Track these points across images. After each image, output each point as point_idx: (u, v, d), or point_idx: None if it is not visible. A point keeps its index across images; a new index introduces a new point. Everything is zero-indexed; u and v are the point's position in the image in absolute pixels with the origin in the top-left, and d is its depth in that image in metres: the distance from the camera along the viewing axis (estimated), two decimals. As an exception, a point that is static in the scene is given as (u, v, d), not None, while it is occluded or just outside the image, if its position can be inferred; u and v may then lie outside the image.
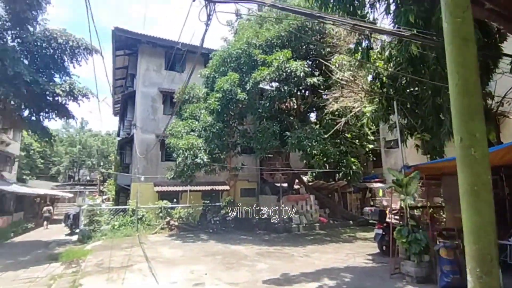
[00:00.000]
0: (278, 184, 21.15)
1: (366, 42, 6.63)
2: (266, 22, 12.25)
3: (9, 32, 12.54)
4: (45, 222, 18.56)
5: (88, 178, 46.70)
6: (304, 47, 11.32)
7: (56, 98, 12.79)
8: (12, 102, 11.99)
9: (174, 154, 11.87)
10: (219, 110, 11.26)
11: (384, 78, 7.41)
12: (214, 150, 11.54)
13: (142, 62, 17.71)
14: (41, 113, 12.79)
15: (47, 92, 12.27)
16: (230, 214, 13.91)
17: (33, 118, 12.60)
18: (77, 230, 16.76)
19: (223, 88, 10.85)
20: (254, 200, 18.61)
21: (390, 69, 7.51)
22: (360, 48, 6.58)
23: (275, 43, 11.08)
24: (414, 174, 6.02)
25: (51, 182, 36.68)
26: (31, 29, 12.54)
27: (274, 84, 11.38)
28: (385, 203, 16.47)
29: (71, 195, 29.77)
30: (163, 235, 13.54)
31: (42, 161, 36.55)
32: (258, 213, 16.77)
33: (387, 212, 8.87)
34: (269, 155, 15.92)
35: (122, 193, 19.39)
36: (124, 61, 19.94)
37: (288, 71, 10.16)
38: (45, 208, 18.79)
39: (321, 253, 9.03)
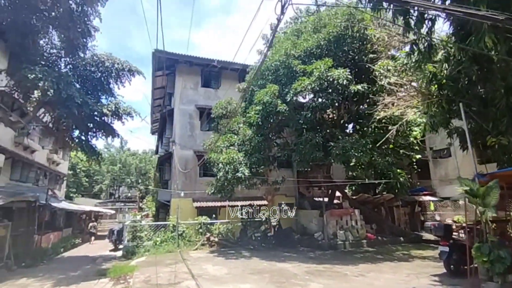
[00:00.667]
0: (317, 199, 20.47)
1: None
2: (303, 32, 12.13)
3: (62, 59, 13.60)
4: (92, 238, 19.29)
5: (127, 195, 48.69)
6: (344, 55, 10.97)
7: (103, 118, 13.43)
8: (64, 123, 12.74)
9: (215, 169, 11.80)
10: (260, 122, 11.11)
11: (442, 80, 6.81)
12: (254, 164, 11.33)
13: (179, 81, 18.30)
14: (90, 133, 13.46)
15: (95, 113, 12.92)
16: (270, 230, 13.44)
17: (83, 137, 13.28)
18: (121, 246, 17.21)
19: (263, 101, 10.72)
20: (291, 216, 18.02)
21: (446, 70, 6.93)
22: (416, 48, 6.12)
23: (314, 53, 10.85)
24: (493, 183, 5.30)
25: (94, 199, 38.54)
26: (82, 55, 13.42)
27: (312, 95, 11.10)
28: (438, 217, 15.15)
29: (113, 211, 30.95)
30: (204, 251, 13.37)
31: (86, 179, 38.67)
32: (299, 228, 16.19)
33: (453, 227, 7.96)
34: (307, 169, 15.43)
35: (162, 209, 19.72)
36: (162, 81, 20.77)
37: (330, 79, 9.83)
38: (90, 224, 19.62)
39: (377, 272, 8.27)
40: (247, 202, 16.94)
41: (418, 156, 15.81)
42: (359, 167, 10.15)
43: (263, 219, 14.39)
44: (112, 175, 44.47)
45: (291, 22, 16.10)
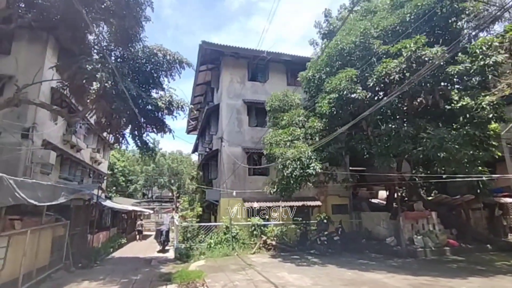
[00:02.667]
0: (375, 201, 18.85)
1: None
2: (377, 11, 10.76)
3: (112, 52, 13.08)
4: (139, 236, 19.09)
5: (158, 195, 48.94)
6: (435, 31, 9.47)
7: (156, 112, 12.77)
8: (118, 118, 12.17)
9: (280, 165, 10.67)
10: (334, 112, 9.86)
11: None
12: (325, 159, 10.10)
13: (225, 75, 17.44)
14: (142, 128, 12.82)
15: (149, 107, 12.25)
16: (336, 234, 12.14)
17: (135, 133, 12.66)
18: (168, 247, 16.57)
19: (338, 88, 9.47)
20: (347, 218, 16.58)
21: None
22: None
23: (399, 31, 9.46)
24: None
25: (130, 199, 38.83)
26: (133, 47, 12.82)
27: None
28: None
29: (151, 211, 30.83)
30: (262, 255, 12.31)
31: (123, 179, 39.09)
32: (361, 232, 14.72)
33: None
34: (391, 164, 13.61)
35: (207, 209, 18.93)
36: (205, 76, 20.05)
37: (422, 60, 8.41)
38: (139, 223, 19.48)
39: (502, 289, 6.78)
40: (300, 203, 15.73)
41: (499, 154, 13.88)
42: (459, 162, 8.60)
43: (325, 221, 13.06)
44: (146, 175, 44.79)
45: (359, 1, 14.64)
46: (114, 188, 35.31)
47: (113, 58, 13.17)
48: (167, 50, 13.06)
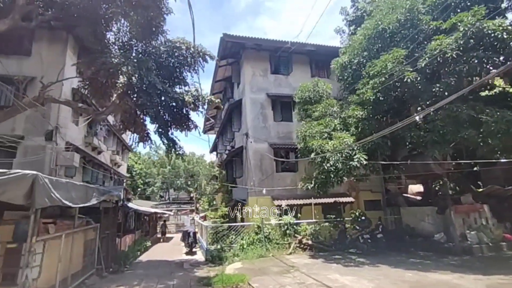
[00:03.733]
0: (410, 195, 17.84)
1: None
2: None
3: (134, 48, 12.56)
4: (162, 237, 18.78)
5: (174, 197, 48.72)
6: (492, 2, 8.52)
7: (181, 109, 12.20)
8: (143, 114, 11.66)
9: (318, 159, 9.90)
10: (379, 98, 9.02)
11: None
12: (369, 150, 9.28)
13: (247, 68, 16.76)
14: (168, 125, 12.25)
15: (174, 103, 11.68)
16: (378, 231, 11.28)
17: (161, 130, 12.08)
18: (195, 249, 16.01)
19: (384, 71, 8.63)
20: (380, 214, 15.64)
21: None
22: None
23: (452, 4, 8.55)
24: None
25: (148, 201, 38.68)
26: (155, 41, 12.27)
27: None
28: None
29: (171, 213, 30.49)
30: (300, 255, 11.56)
31: (141, 181, 38.97)
32: (403, 228, 13.77)
33: None
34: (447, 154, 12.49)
35: (233, 209, 18.26)
36: (225, 72, 19.43)
37: (482, 34, 7.52)
38: (161, 223, 19.15)
39: None
40: (332, 200, 14.91)
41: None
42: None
43: (363, 218, 12.21)
44: (163, 177, 44.65)
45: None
46: (132, 190, 35.15)
47: (134, 54, 12.65)
48: (190, 42, 12.46)
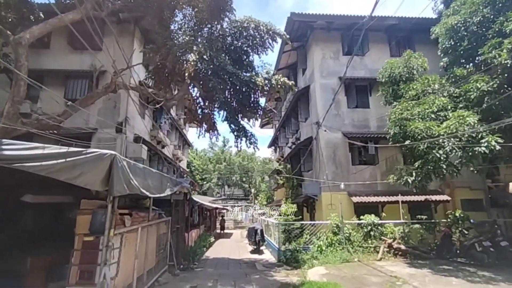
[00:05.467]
0: None
1: None
2: None
3: (198, 34, 11.81)
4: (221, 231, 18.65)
5: (229, 193, 48.79)
6: None
7: (250, 94, 11.13)
8: (212, 100, 10.83)
9: (421, 146, 7.94)
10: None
11: None
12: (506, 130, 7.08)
13: (316, 51, 15.13)
14: (237, 112, 11.26)
15: (244, 87, 10.62)
16: (502, 238, 8.85)
17: (229, 117, 11.12)
18: (262, 247, 14.95)
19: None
20: (482, 216, 12.83)
21: None
22: None
23: None
24: None
25: (206, 197, 39.15)
26: (226, 21, 11.32)
27: None
28: None
29: (229, 209, 30.22)
30: (392, 262, 9.69)
31: (199, 177, 39.64)
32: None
33: None
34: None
35: (301, 206, 16.83)
36: (288, 58, 18.06)
37: None
38: (220, 219, 18.76)
39: None
40: (422, 197, 12.61)
41: None
42: None
43: (451, 221, 9.85)
44: (219, 173, 45.02)
45: None
46: (198, 187, 35.82)
47: (199, 39, 11.88)
48: (259, 21, 11.30)
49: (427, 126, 7.86)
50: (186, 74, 8.46)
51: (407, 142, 8.65)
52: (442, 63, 9.82)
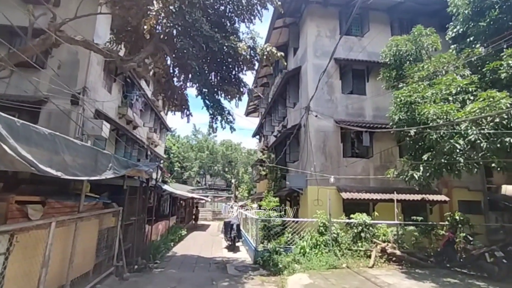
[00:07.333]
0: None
1: None
2: None
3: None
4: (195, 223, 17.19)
5: (210, 183, 47.01)
6: None
7: (232, 67, 9.33)
8: (182, 69, 8.94)
9: (435, 134, 6.45)
10: None
11: None
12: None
13: (311, 27, 13.42)
14: (214, 88, 9.40)
15: (223, 55, 8.77)
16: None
17: (205, 90, 9.25)
18: (239, 243, 13.38)
19: None
20: (480, 219, 11.70)
21: None
22: None
23: None
24: None
25: (185, 186, 37.25)
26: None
27: None
28: None
29: (208, 200, 28.48)
30: (388, 270, 8.28)
31: (179, 165, 37.61)
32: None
33: None
34: None
35: (284, 200, 15.28)
36: (279, 37, 16.25)
37: None
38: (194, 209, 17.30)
39: None
40: (418, 196, 11.32)
41: None
42: None
43: (450, 223, 8.60)
44: (201, 162, 43.09)
45: None
46: (170, 174, 33.76)
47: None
48: (244, -18, 9.42)
49: (444, 109, 6.34)
50: (145, 28, 6.56)
51: (413, 132, 7.18)
52: (453, 46, 8.34)
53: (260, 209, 14.09)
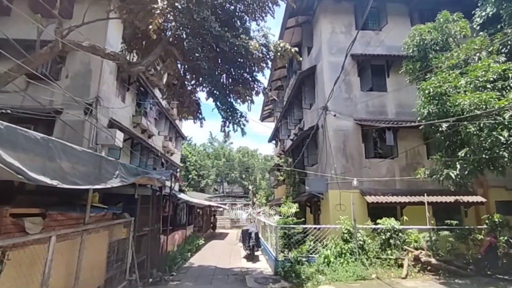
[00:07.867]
0: None
1: None
2: None
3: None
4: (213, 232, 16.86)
5: (228, 191, 46.52)
6: None
7: (244, 66, 8.93)
8: (192, 72, 8.63)
9: (473, 127, 5.73)
10: None
11: None
12: None
13: (324, 24, 12.90)
14: (225, 90, 9.03)
15: (234, 55, 8.39)
16: None
17: (216, 92, 8.86)
18: (257, 253, 12.79)
19: None
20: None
21: None
22: None
23: None
24: None
25: (202, 194, 37.03)
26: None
27: None
28: None
29: (226, 207, 28.07)
30: (424, 282, 7.48)
31: (195, 173, 37.52)
32: None
33: None
34: None
35: (303, 206, 14.62)
36: (292, 36, 15.79)
37: None
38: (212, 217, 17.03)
39: None
40: (451, 198, 10.43)
41: None
42: None
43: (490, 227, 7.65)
44: (218, 170, 42.85)
45: None
46: (187, 182, 33.66)
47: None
48: (255, -22, 9.06)
49: (483, 98, 5.62)
50: (151, 28, 6.26)
51: (444, 126, 6.46)
52: (482, 33, 7.57)
53: (278, 215, 13.53)
